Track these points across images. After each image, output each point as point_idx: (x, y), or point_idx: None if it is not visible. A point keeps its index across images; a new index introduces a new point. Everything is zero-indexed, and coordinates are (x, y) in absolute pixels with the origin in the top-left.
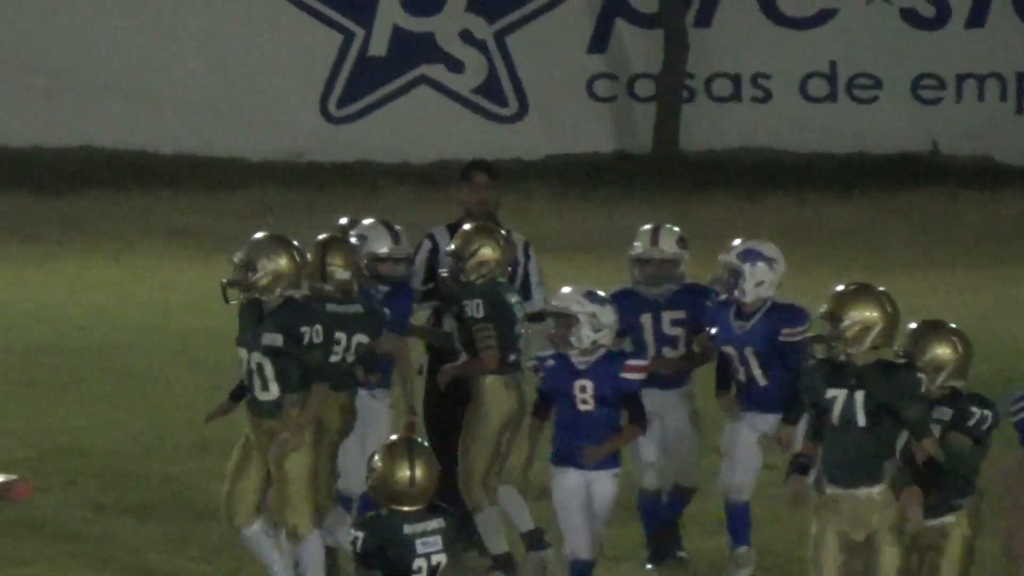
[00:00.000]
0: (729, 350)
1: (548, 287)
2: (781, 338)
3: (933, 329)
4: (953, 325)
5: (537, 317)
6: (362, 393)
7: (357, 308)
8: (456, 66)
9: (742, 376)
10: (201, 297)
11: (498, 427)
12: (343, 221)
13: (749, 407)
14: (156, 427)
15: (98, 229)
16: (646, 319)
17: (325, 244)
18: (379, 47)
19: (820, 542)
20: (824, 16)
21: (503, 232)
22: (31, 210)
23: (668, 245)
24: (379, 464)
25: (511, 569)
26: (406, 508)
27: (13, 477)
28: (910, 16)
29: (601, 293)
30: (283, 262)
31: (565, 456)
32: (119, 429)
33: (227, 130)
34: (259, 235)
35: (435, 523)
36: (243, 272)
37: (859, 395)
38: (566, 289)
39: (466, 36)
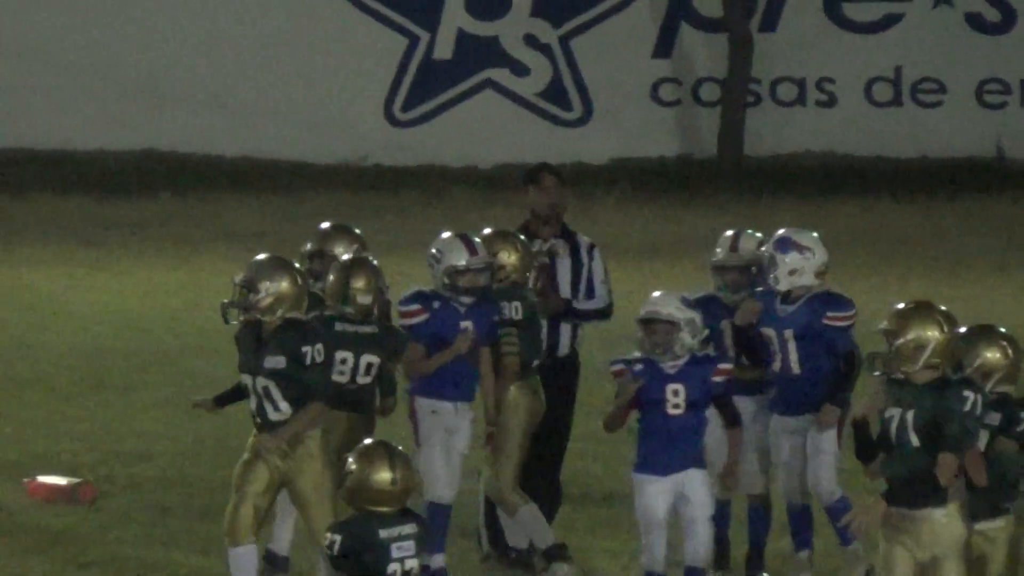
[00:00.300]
0: (769, 331)
1: (612, 287)
2: (824, 321)
3: (983, 334)
4: (1003, 330)
5: (602, 314)
6: (447, 405)
7: (370, 329)
8: (521, 70)
9: (777, 365)
10: None
11: (524, 433)
12: (308, 246)
13: (784, 409)
14: (220, 431)
15: (163, 233)
16: (726, 325)
17: (348, 267)
18: (444, 51)
19: (889, 561)
20: (889, 21)
21: (522, 238)
22: (96, 213)
23: (746, 251)
24: (356, 466)
25: (566, 557)
26: (384, 509)
27: (79, 480)
28: (975, 21)
29: (690, 298)
30: (285, 284)
31: (652, 464)
32: (184, 433)
33: (292, 134)
34: (261, 256)
35: (409, 528)
36: (244, 294)
37: (910, 415)
38: (658, 295)
39: (531, 40)
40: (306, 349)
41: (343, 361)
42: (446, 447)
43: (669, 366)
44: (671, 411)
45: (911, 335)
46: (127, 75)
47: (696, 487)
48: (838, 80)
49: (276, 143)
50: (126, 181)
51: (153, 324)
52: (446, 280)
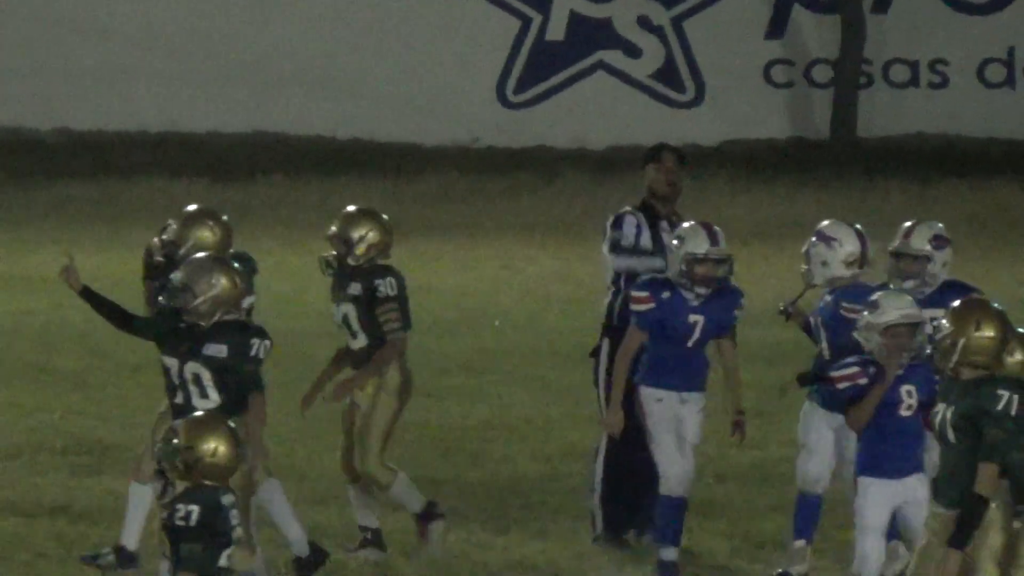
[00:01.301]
0: (813, 319)
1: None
2: (841, 312)
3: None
4: None
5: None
6: (673, 396)
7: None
8: (633, 52)
9: (822, 350)
10: None
11: (398, 407)
12: (157, 240)
13: (819, 398)
14: (334, 413)
15: (272, 216)
16: None
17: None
18: (556, 32)
19: (925, 558)
20: (1002, 2)
21: (384, 216)
22: (205, 196)
23: (920, 242)
24: (187, 438)
25: (440, 514)
26: (211, 483)
27: None
28: None
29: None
30: (224, 285)
31: (881, 467)
32: (297, 415)
33: (404, 116)
34: (198, 257)
35: (232, 498)
36: (183, 295)
37: (949, 411)
38: (892, 297)
39: (643, 22)
40: (254, 342)
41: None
42: (676, 437)
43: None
44: (903, 412)
45: (947, 330)
46: (237, 57)
47: (921, 492)
48: (951, 61)
49: (387, 125)
50: (236, 163)
51: (264, 307)
52: (683, 267)
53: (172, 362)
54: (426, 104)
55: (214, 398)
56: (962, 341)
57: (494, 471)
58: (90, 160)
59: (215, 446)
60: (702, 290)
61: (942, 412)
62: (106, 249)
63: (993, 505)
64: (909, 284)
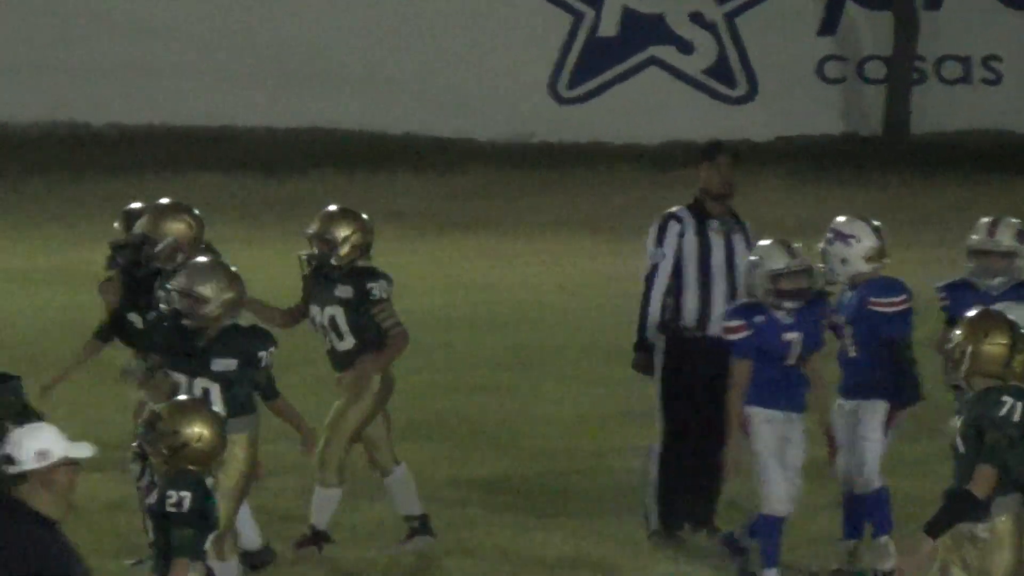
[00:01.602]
0: (837, 318)
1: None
2: (870, 307)
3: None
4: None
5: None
6: (779, 415)
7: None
8: (686, 47)
9: (840, 347)
10: (432, 278)
11: (374, 410)
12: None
13: (843, 392)
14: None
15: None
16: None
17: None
18: (609, 28)
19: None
20: None
21: (364, 215)
22: (259, 192)
23: (1006, 237)
24: (172, 423)
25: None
26: (196, 469)
27: None
28: None
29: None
30: (236, 289)
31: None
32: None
33: (457, 111)
34: (201, 261)
35: (213, 481)
36: (191, 301)
37: (959, 422)
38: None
39: (696, 18)
40: (261, 353)
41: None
42: (781, 458)
43: None
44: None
45: (954, 341)
46: (292, 53)
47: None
48: (1004, 58)
49: (441, 120)
50: (290, 159)
51: None
52: (768, 285)
53: (180, 378)
54: (479, 99)
55: (219, 410)
56: (971, 349)
57: (548, 467)
58: (143, 155)
59: (200, 431)
60: (791, 304)
61: (956, 424)
62: None
63: (1003, 518)
64: (998, 281)
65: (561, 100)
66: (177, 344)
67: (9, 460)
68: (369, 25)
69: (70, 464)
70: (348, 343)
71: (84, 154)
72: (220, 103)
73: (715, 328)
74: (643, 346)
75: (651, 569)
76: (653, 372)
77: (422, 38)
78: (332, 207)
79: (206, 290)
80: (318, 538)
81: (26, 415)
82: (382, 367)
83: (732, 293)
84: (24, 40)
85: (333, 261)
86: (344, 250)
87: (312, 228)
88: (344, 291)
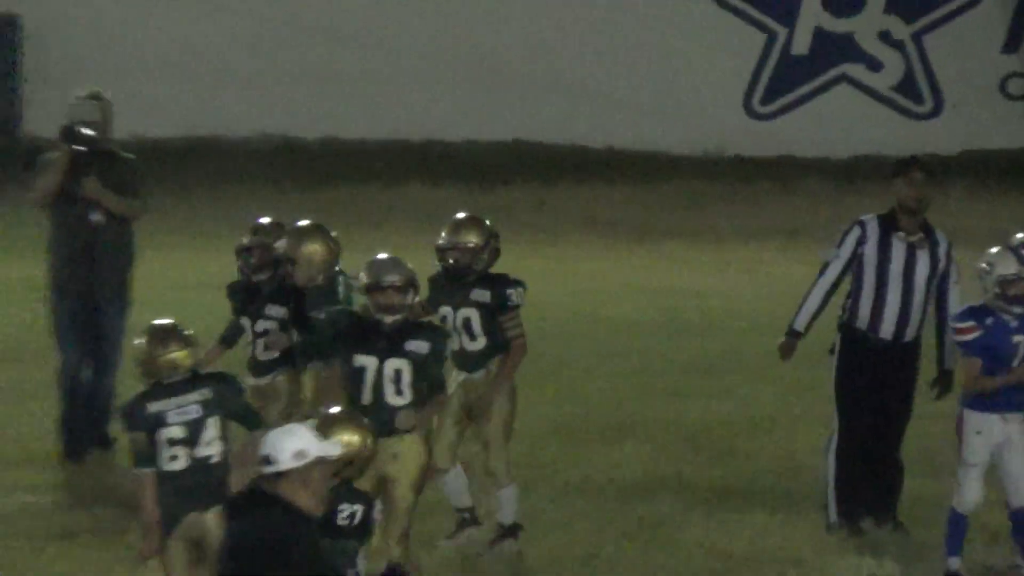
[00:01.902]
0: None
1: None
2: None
3: None
4: None
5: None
6: (995, 419)
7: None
8: (875, 65)
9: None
10: (629, 286)
11: (514, 401)
12: (263, 220)
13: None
14: (574, 413)
15: (529, 220)
16: None
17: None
18: (801, 46)
19: None
20: None
21: (487, 221)
22: (465, 202)
23: None
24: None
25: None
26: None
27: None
28: None
29: None
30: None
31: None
32: (535, 415)
33: (655, 125)
34: (395, 262)
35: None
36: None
37: None
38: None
39: (885, 36)
40: (448, 343)
41: None
42: (999, 460)
43: None
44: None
45: None
46: (496, 66)
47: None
48: None
49: (639, 133)
50: (494, 171)
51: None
52: (997, 290)
53: (369, 360)
54: (676, 114)
55: (407, 396)
56: None
57: (740, 466)
58: (354, 167)
59: (364, 439)
60: (1019, 309)
61: None
62: (372, 253)
63: None
64: None
65: (755, 115)
66: (359, 328)
67: (268, 461)
68: (573, 41)
69: (324, 462)
70: (479, 344)
71: (298, 167)
72: (427, 116)
73: (886, 331)
74: (792, 332)
75: (835, 564)
76: (790, 356)
77: (623, 55)
78: (461, 215)
79: (414, 289)
80: (513, 530)
81: (250, 413)
82: (511, 375)
83: (906, 302)
84: (243, 50)
85: (475, 266)
86: (485, 255)
87: (445, 236)
88: (481, 295)
